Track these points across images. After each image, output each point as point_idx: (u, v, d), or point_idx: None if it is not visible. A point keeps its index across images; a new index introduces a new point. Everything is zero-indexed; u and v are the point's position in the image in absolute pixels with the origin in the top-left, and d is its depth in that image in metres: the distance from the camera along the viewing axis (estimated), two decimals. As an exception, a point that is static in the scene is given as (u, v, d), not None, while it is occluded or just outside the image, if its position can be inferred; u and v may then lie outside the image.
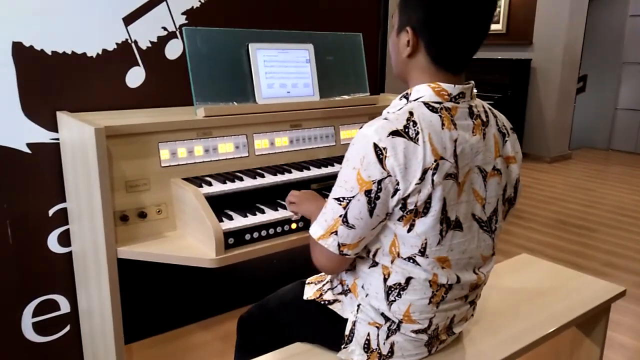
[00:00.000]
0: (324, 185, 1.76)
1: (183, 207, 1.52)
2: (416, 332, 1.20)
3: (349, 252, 1.12)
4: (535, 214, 4.39)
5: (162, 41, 1.85)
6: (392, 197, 1.06)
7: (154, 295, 1.89)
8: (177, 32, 1.87)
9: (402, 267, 1.13)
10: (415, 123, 1.05)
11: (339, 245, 1.11)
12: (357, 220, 1.08)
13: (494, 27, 6.70)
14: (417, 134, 1.04)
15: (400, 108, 1.12)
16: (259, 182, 1.62)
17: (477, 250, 1.18)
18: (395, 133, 1.04)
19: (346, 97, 2.02)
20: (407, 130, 1.05)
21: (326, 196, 1.64)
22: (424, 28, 1.09)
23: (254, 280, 2.10)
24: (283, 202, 1.60)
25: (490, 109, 1.21)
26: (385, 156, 1.03)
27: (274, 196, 1.66)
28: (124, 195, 1.49)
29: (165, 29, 1.85)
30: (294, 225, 1.56)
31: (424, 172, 1.04)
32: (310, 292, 1.37)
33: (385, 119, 1.08)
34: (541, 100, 6.34)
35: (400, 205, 1.06)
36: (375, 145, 1.04)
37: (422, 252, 1.11)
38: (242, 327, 1.52)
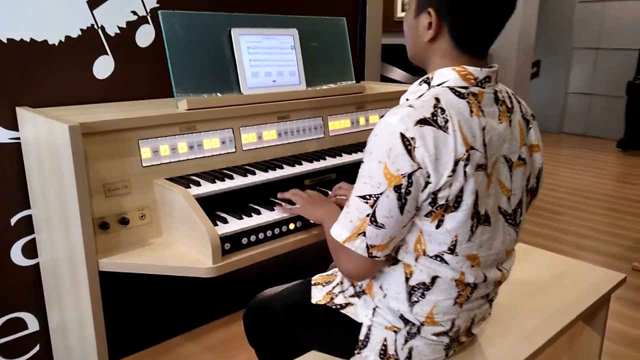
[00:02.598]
0: (317, 181, 1.65)
1: (170, 211, 1.37)
2: (437, 334, 1.12)
3: (379, 254, 1.02)
4: (501, 198, 4.42)
5: (132, 27, 1.68)
6: (422, 190, 0.97)
7: (135, 308, 1.73)
8: (149, 17, 1.70)
9: (427, 265, 1.05)
10: (443, 110, 0.96)
11: (367, 247, 1.00)
12: (386, 219, 0.98)
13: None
14: (447, 122, 0.96)
15: (422, 94, 1.03)
16: (250, 180, 1.48)
17: (502, 245, 1.11)
18: (423, 121, 0.95)
19: (332, 85, 1.90)
20: (435, 118, 0.96)
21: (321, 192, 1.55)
22: (449, 10, 1.00)
23: (240, 286, 1.97)
24: (277, 201, 1.48)
25: (514, 94, 1.13)
26: (414, 147, 0.94)
27: (266, 194, 1.53)
28: (102, 200, 1.33)
29: (135, 13, 1.67)
30: (292, 226, 1.44)
31: (456, 163, 0.95)
32: (319, 295, 1.26)
33: (410, 106, 0.97)
34: (498, 86, 6.42)
35: (430, 200, 0.97)
36: (402, 135, 0.94)
37: (452, 250, 1.02)
38: (248, 327, 1.42)
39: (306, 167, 1.62)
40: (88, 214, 1.25)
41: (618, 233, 3.64)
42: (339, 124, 1.86)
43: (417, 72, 6.18)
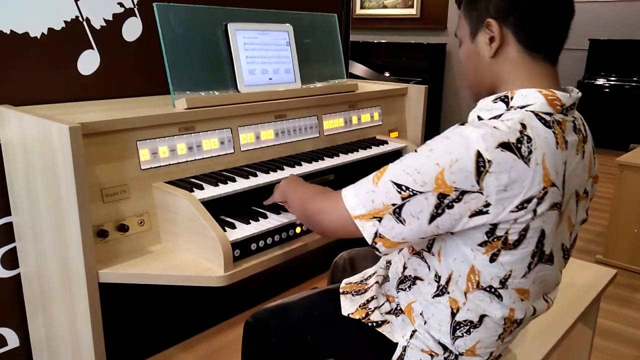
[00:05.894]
0: (317, 182, 1.60)
1: (173, 217, 1.29)
2: None
3: (382, 248, 0.95)
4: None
5: (119, 19, 1.57)
6: (472, 217, 0.88)
7: (125, 319, 1.63)
8: (136, 9, 1.60)
9: (477, 303, 0.99)
10: (529, 139, 0.87)
11: (376, 234, 0.94)
12: (411, 218, 0.91)
13: (407, 11, 6.79)
14: (530, 153, 0.86)
15: (501, 114, 0.92)
16: (253, 182, 1.42)
17: (556, 279, 1.07)
18: (505, 146, 0.85)
19: (325, 83, 1.86)
20: (519, 145, 0.86)
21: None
22: (507, 11, 0.93)
23: (231, 292, 1.90)
24: (281, 203, 1.43)
25: (583, 120, 1.03)
26: (487, 171, 0.85)
27: (268, 197, 1.47)
28: (100, 206, 1.23)
29: (121, 5, 1.57)
30: (298, 229, 1.39)
31: (527, 200, 0.87)
32: (350, 307, 1.18)
33: (495, 127, 0.87)
34: (457, 84, 6.55)
35: (486, 230, 0.90)
36: (479, 155, 0.85)
37: (503, 283, 0.96)
38: (251, 336, 1.32)
39: (305, 167, 1.57)
40: (88, 221, 1.16)
41: (579, 227, 3.78)
42: (333, 123, 1.82)
43: (377, 67, 6.22)
